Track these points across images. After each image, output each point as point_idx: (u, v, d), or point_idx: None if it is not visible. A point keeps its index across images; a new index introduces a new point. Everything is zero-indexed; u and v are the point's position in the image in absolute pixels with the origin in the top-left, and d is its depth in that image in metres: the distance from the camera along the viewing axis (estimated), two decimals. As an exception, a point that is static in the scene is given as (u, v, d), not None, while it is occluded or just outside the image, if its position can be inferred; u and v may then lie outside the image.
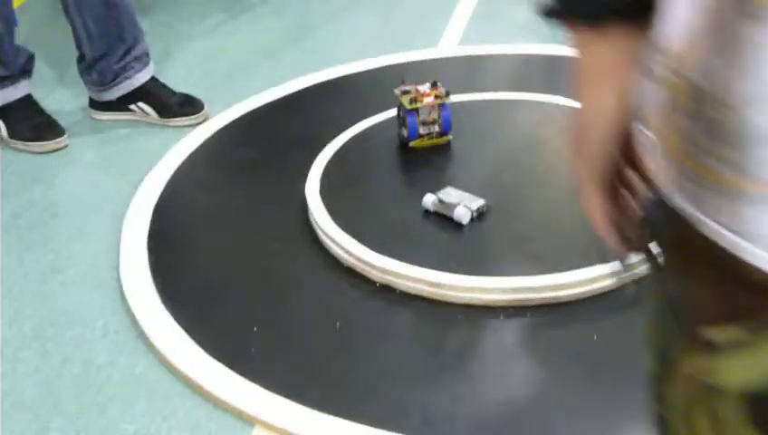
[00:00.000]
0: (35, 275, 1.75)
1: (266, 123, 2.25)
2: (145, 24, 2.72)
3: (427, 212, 1.78)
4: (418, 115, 1.99)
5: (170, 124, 2.31)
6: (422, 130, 2.00)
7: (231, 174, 2.03)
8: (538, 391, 1.39)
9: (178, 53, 2.68)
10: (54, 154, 2.19)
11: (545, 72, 2.46)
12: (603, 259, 1.43)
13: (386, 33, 2.85)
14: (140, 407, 1.42)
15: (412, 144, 2.01)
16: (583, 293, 1.58)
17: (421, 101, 1.98)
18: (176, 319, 1.58)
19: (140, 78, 2.32)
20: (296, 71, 2.54)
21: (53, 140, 2.20)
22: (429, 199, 1.78)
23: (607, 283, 1.58)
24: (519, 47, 2.63)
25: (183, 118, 2.31)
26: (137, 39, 2.30)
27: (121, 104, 2.33)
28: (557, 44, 2.61)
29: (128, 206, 1.93)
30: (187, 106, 2.33)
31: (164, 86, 2.37)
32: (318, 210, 1.79)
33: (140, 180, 2.03)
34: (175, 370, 1.48)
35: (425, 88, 2.01)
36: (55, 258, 1.80)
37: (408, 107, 1.97)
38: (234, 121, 2.26)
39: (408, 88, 2.02)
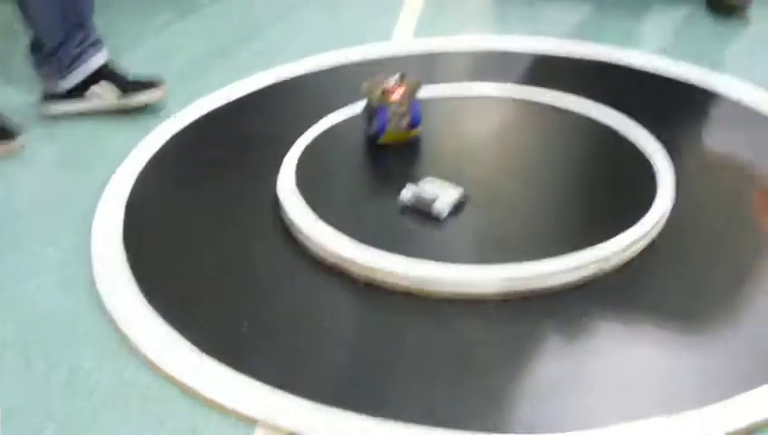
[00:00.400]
0: (9, 280, 1.70)
1: (229, 122, 2.23)
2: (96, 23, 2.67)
3: (405, 207, 1.78)
4: (388, 109, 1.98)
5: (133, 102, 2.30)
6: (391, 125, 2.00)
7: (200, 173, 2.01)
8: (534, 379, 1.40)
9: (129, 52, 2.64)
10: (11, 157, 2.13)
11: (500, 64, 2.48)
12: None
13: (337, 30, 2.84)
14: (134, 411, 1.39)
15: (381, 139, 2.01)
16: (568, 281, 1.60)
17: (390, 95, 1.97)
18: (160, 320, 1.56)
19: (98, 60, 2.31)
20: (251, 69, 2.53)
21: (9, 143, 2.14)
22: (407, 195, 1.78)
23: (591, 270, 1.60)
24: (471, 39, 2.65)
25: (146, 91, 2.30)
26: (93, 25, 2.30)
27: (79, 91, 2.30)
28: (507, 36, 2.65)
29: (96, 205, 1.89)
30: (148, 82, 2.33)
31: (120, 69, 2.35)
32: (293, 209, 1.78)
33: (106, 180, 1.99)
34: (166, 374, 1.45)
35: (393, 81, 2.00)
36: (29, 261, 1.75)
37: (377, 101, 1.97)
38: (196, 121, 2.24)
39: (376, 81, 2.01)
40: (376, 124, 1.99)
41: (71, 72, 2.28)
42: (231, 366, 1.45)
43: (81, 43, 2.27)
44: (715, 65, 2.47)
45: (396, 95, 1.97)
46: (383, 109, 1.98)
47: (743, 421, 1.31)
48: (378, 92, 1.97)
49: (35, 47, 2.28)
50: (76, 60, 2.28)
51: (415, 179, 1.82)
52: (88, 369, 1.48)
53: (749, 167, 1.93)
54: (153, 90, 2.31)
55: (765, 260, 1.65)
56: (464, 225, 1.73)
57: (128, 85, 2.31)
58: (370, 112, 2.01)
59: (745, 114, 2.16)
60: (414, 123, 2.02)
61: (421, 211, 1.76)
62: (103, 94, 2.31)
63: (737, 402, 1.34)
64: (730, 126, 2.12)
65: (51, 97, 2.32)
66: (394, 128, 2.00)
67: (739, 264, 1.65)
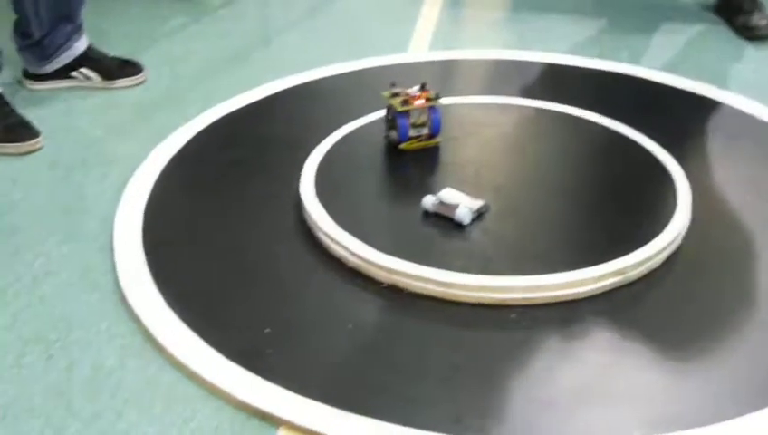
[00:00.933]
0: (27, 279, 1.69)
1: (247, 126, 2.23)
2: (104, 25, 2.69)
3: (426, 213, 1.78)
4: (409, 117, 1.99)
5: (114, 86, 2.43)
6: (412, 133, 2.01)
7: (219, 176, 2.00)
8: (554, 388, 1.40)
9: (144, 55, 2.63)
10: (29, 155, 2.13)
11: (515, 76, 2.49)
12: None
13: (352, 38, 2.84)
14: (158, 410, 1.39)
15: (402, 146, 2.01)
16: (589, 290, 1.60)
17: (412, 104, 1.98)
18: (183, 320, 1.55)
19: (79, 47, 2.41)
20: (267, 74, 2.53)
21: (28, 142, 2.14)
22: (429, 200, 1.78)
23: (613, 280, 1.61)
24: (487, 52, 2.67)
25: (126, 79, 2.45)
26: (81, 17, 2.39)
27: (62, 73, 2.42)
28: (520, 49, 2.66)
29: (115, 208, 1.89)
30: (128, 67, 2.47)
31: (100, 52, 2.46)
32: (317, 211, 1.78)
33: (124, 182, 1.98)
34: (190, 372, 1.45)
35: (414, 90, 2.01)
36: (46, 261, 1.74)
37: (399, 109, 1.97)
38: (213, 124, 2.24)
39: (397, 90, 2.02)
40: (397, 132, 2.00)
41: (54, 59, 2.38)
42: (254, 367, 1.44)
43: (67, 34, 2.37)
44: (728, 82, 2.48)
45: (417, 104, 1.98)
46: (404, 117, 1.98)
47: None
48: (399, 100, 1.97)
49: (21, 33, 2.35)
50: (60, 48, 2.38)
51: (435, 186, 1.83)
52: (110, 368, 1.47)
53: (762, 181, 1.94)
54: (134, 78, 2.45)
55: (788, 274, 1.66)
56: (485, 233, 1.73)
57: (110, 73, 2.44)
58: (392, 120, 2.01)
59: (757, 127, 2.17)
60: (434, 132, 2.02)
61: (443, 217, 1.75)
62: (88, 77, 2.42)
63: (740, 423, 1.34)
64: (743, 139, 2.13)
65: (33, 76, 2.42)
66: (414, 136, 2.00)
67: (755, 281, 1.65)
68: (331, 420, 1.34)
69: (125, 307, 1.61)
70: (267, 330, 1.53)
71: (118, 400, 1.41)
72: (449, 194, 1.78)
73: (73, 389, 1.43)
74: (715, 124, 2.24)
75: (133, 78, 2.47)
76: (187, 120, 2.26)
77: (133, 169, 2.03)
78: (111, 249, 1.76)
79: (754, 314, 1.56)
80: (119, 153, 2.13)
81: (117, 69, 2.46)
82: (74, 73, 2.43)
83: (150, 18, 2.99)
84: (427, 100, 1.99)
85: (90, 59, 2.44)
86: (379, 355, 1.48)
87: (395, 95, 2.00)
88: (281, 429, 1.35)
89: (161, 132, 2.21)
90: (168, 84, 2.49)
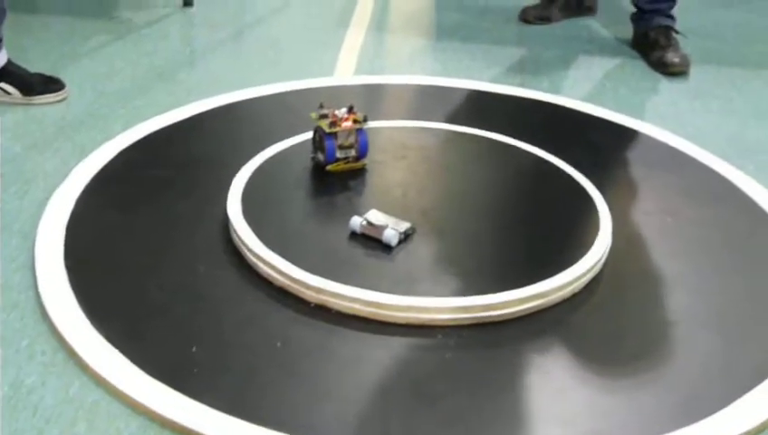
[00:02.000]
0: (-56, 296, 1.65)
1: (172, 145, 2.21)
2: (25, 42, 2.64)
3: (353, 234, 1.79)
4: (336, 139, 2.00)
5: (34, 102, 2.40)
6: (339, 154, 2.02)
7: (143, 194, 1.98)
8: (482, 408, 1.42)
9: (66, 72, 2.60)
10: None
11: (440, 102, 2.53)
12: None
13: (278, 61, 2.85)
14: (81, 429, 1.36)
15: (329, 168, 2.02)
16: (515, 312, 1.63)
17: (339, 126, 1.99)
18: (107, 339, 1.53)
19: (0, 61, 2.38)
20: (192, 94, 2.52)
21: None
22: (357, 221, 1.79)
23: (538, 302, 1.64)
24: (411, 78, 2.70)
25: (47, 95, 2.43)
26: (0, 32, 2.36)
27: None
28: (444, 76, 2.71)
29: (36, 225, 1.85)
30: (50, 83, 2.45)
31: (21, 67, 2.43)
32: (244, 231, 1.77)
33: (45, 200, 1.95)
34: (114, 390, 1.42)
35: (342, 112, 2.03)
36: (-35, 278, 1.70)
37: (327, 130, 1.98)
38: (138, 142, 2.21)
39: (325, 112, 2.03)
40: (324, 153, 2.01)
41: None
42: (180, 386, 1.42)
43: None
44: (644, 113, 2.56)
45: (345, 126, 1.99)
46: (331, 138, 1.99)
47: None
48: (327, 122, 1.98)
49: None
50: None
51: (362, 208, 1.84)
52: (31, 386, 1.44)
53: (676, 206, 2.00)
54: (56, 94, 2.44)
55: (698, 297, 1.71)
56: (411, 254, 1.75)
57: (30, 88, 2.41)
58: (319, 141, 2.02)
59: (672, 156, 2.25)
60: (361, 154, 2.04)
61: (371, 238, 1.77)
62: (7, 92, 2.39)
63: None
64: (659, 167, 2.20)
65: None
66: (341, 157, 2.02)
67: (673, 301, 1.70)
68: (259, 439, 1.33)
69: (47, 325, 1.57)
70: (194, 348, 1.52)
71: (39, 419, 1.37)
72: (375, 216, 1.79)
73: (-8, 407, 1.39)
74: (633, 153, 2.31)
75: (55, 94, 2.44)
76: (110, 137, 2.23)
77: (54, 187, 2.00)
78: (32, 267, 1.72)
79: (674, 334, 1.60)
80: (39, 170, 2.09)
81: (38, 85, 2.43)
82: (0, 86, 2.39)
83: (72, 36, 2.95)
84: (355, 122, 2.00)
85: (9, 73, 2.40)
86: (307, 375, 1.47)
87: (323, 117, 2.01)
88: (208, 447, 1.34)
89: (84, 150, 2.17)
90: (91, 102, 2.46)
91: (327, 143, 2.00)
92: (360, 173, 2.04)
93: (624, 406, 1.43)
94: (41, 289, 1.65)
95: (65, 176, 2.04)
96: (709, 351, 1.57)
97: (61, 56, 2.75)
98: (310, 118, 2.04)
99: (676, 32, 2.95)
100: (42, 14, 3.16)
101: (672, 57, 2.88)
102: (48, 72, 2.48)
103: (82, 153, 2.15)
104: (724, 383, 1.49)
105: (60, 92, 2.45)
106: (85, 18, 3.10)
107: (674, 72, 2.86)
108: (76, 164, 2.10)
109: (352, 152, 2.03)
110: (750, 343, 1.59)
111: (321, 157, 2.03)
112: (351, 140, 2.02)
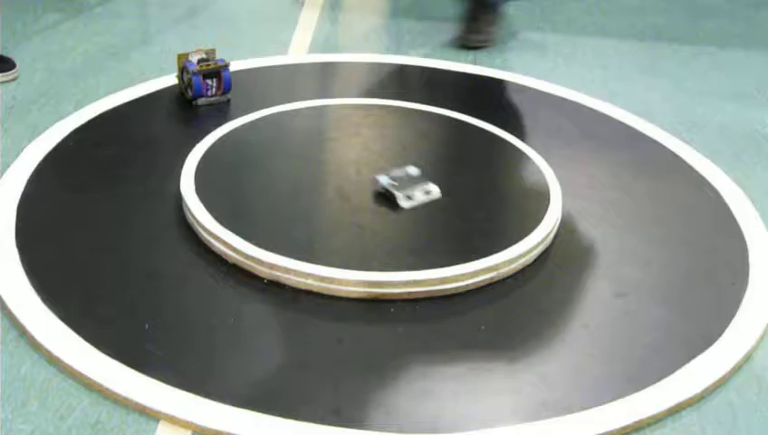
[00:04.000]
0: None
1: (125, 124, 2.20)
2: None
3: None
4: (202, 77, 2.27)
5: None
6: (205, 90, 2.28)
7: (96, 173, 1.97)
8: (432, 380, 1.44)
9: (16, 51, 2.57)
10: None
11: (393, 80, 2.54)
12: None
13: (232, 40, 2.84)
14: (33, 407, 1.36)
15: (200, 102, 2.29)
16: (466, 286, 1.65)
17: (204, 66, 2.27)
18: (59, 317, 1.53)
19: None
20: (146, 72, 2.51)
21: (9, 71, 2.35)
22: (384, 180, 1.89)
23: (489, 275, 1.66)
24: (364, 56, 2.71)
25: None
26: None
27: None
28: (397, 54, 2.72)
29: (-14, 204, 1.84)
30: (1, 63, 2.42)
31: None
32: (197, 208, 1.77)
33: (-4, 179, 1.94)
34: (66, 368, 1.43)
35: (203, 54, 2.31)
36: None
37: (196, 70, 2.26)
38: (91, 121, 2.20)
39: (190, 54, 2.31)
40: (193, 90, 2.25)
41: None
42: (132, 362, 1.43)
43: None
44: (596, 91, 2.59)
45: (207, 65, 2.26)
46: (198, 76, 2.24)
47: None
48: (196, 61, 2.26)
49: None
50: None
51: (318, 185, 1.85)
52: (-18, 365, 1.44)
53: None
54: (5, 74, 2.42)
55: (646, 269, 1.74)
56: (364, 229, 1.76)
57: None
58: (188, 80, 2.27)
59: (623, 131, 2.28)
60: (226, 89, 2.30)
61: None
62: None
63: (613, 407, 1.41)
64: (610, 143, 2.23)
65: None
66: (208, 93, 2.28)
67: (621, 273, 1.73)
68: (211, 413, 1.34)
69: (-2, 304, 1.57)
70: (146, 326, 1.52)
71: (-9, 397, 1.37)
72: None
73: (-57, 387, 1.39)
74: (585, 128, 2.33)
75: (5, 74, 2.42)
76: (62, 117, 2.21)
77: (5, 166, 1.98)
78: (-17, 246, 1.71)
79: (623, 305, 1.64)
80: (-10, 149, 2.07)
81: None
82: None
83: (23, 14, 2.91)
84: (214, 61, 2.28)
85: None
86: (261, 350, 1.48)
87: (189, 59, 2.28)
88: (161, 422, 1.35)
89: (35, 129, 2.16)
90: (43, 81, 2.44)
91: (195, 81, 2.24)
92: (315, 151, 2.05)
93: (572, 376, 1.46)
94: (-9, 268, 1.64)
95: (16, 155, 2.02)
96: (656, 320, 1.60)
97: (11, 35, 2.71)
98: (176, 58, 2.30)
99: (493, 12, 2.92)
100: (-8, -7, 3.13)
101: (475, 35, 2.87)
102: (-2, 52, 2.46)
103: (34, 133, 2.14)
104: (670, 352, 1.52)
105: (10, 72, 2.43)
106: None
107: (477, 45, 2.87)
108: (28, 144, 2.08)
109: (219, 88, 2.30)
110: (696, 313, 1.63)
111: (192, 92, 2.27)
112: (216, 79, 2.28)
